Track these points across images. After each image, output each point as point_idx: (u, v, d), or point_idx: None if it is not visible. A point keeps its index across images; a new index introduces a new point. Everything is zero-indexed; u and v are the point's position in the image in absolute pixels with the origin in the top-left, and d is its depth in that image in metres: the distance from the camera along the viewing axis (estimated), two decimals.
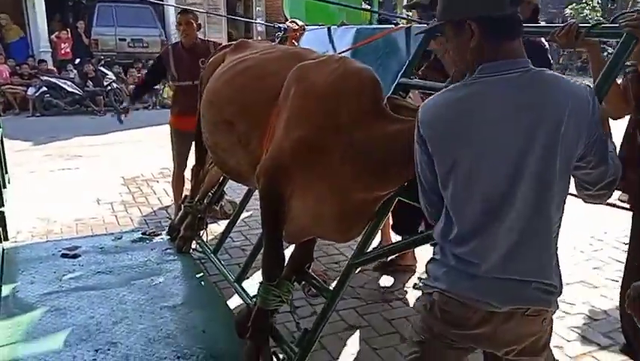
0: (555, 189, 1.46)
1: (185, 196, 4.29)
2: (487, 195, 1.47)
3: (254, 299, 2.72)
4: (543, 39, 2.95)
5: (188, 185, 5.04)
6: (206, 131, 2.96)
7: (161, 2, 13.20)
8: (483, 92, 1.48)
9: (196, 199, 3.93)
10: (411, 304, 3.48)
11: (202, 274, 3.58)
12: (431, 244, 1.80)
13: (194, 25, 4.50)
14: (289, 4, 7.20)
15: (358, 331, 3.16)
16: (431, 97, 1.60)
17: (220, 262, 3.59)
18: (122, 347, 2.65)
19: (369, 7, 8.77)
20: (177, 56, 4.45)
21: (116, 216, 5.16)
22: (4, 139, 5.35)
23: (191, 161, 4.71)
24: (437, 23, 1.64)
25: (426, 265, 1.68)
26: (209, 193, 4.00)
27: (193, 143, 4.55)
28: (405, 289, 3.70)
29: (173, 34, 13.62)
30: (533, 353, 1.61)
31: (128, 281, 3.35)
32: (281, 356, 2.55)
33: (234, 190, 5.28)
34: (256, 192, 4.00)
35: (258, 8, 15.92)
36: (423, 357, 1.64)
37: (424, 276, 1.69)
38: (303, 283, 2.91)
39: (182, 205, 4.10)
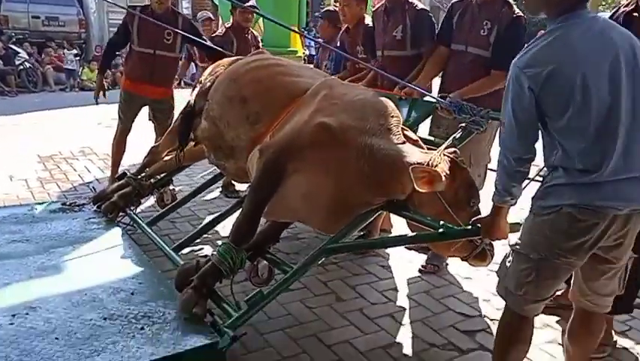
0: None
1: (124, 172, 4.05)
2: (598, 110, 1.79)
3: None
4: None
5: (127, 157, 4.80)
6: (215, 103, 3.06)
7: None
8: (577, 31, 1.83)
9: (143, 175, 3.77)
10: (348, 267, 3.52)
11: (130, 241, 3.39)
12: (541, 176, 2.04)
13: None
14: None
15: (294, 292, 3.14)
16: (526, 48, 1.89)
17: (154, 233, 3.43)
18: (42, 310, 2.45)
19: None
20: (144, 20, 4.26)
21: (31, 192, 4.82)
22: None
23: (143, 135, 4.68)
24: None
25: (539, 193, 1.94)
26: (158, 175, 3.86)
27: (143, 109, 4.59)
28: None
29: (93, 12, 12.93)
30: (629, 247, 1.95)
31: (48, 249, 3.09)
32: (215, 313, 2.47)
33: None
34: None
35: None
36: (539, 273, 1.90)
37: None
38: (251, 264, 2.85)
39: (125, 177, 3.85)
